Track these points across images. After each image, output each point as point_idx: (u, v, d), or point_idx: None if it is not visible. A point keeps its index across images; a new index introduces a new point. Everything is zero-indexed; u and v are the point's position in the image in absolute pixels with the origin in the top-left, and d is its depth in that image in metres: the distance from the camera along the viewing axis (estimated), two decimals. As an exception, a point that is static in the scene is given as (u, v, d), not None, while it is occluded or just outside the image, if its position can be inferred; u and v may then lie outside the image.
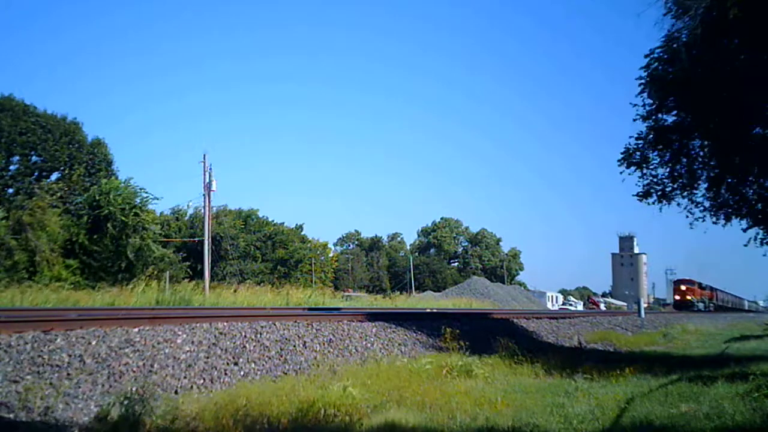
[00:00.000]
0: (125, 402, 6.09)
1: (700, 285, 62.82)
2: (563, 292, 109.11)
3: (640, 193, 14.16)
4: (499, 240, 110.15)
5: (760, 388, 7.93)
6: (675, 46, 12.40)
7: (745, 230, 13.95)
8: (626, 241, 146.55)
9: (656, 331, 24.83)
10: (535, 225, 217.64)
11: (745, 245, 13.99)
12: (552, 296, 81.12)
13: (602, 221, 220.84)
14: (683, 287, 61.45)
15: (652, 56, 13.04)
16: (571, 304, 76.82)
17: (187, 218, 51.82)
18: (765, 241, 13.91)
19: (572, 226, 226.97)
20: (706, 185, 13.93)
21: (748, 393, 7.93)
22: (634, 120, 13.80)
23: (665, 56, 12.81)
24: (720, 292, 71.39)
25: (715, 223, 13.99)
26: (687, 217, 14.06)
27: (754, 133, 12.95)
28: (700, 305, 59.28)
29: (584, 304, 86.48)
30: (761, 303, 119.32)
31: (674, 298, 62.81)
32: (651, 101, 13.53)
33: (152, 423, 5.92)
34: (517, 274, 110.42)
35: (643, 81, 13.38)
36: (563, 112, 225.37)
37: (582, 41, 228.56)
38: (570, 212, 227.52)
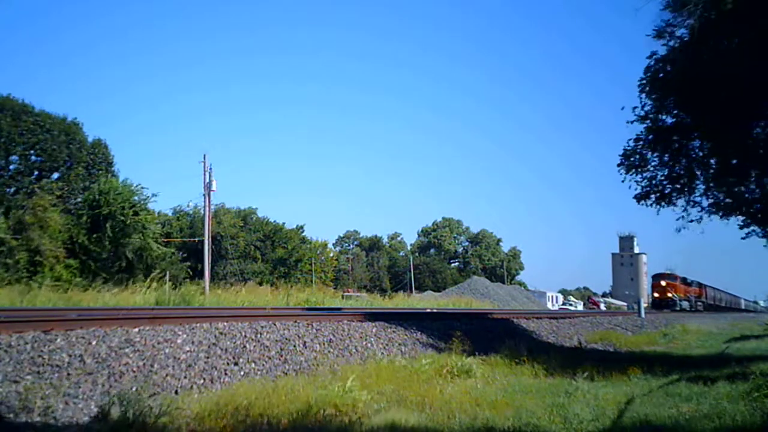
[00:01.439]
0: (125, 402, 6.09)
1: (684, 280, 53.83)
2: (563, 292, 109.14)
3: (639, 195, 14.16)
4: (499, 240, 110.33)
5: (761, 388, 7.93)
6: (674, 45, 12.41)
7: (741, 227, 14.01)
8: (626, 241, 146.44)
9: (656, 331, 24.83)
10: (535, 225, 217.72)
11: (743, 238, 14.04)
12: (552, 296, 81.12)
13: (602, 221, 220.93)
14: (663, 283, 51.43)
15: (651, 57, 13.05)
16: (571, 304, 76.76)
17: (187, 218, 51.83)
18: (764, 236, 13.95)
19: (572, 226, 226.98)
20: (704, 186, 13.95)
21: (749, 393, 7.93)
22: (632, 122, 13.78)
23: (665, 56, 12.81)
24: (711, 290, 63.25)
25: (722, 217, 13.98)
26: (683, 218, 14.07)
27: (754, 133, 12.96)
28: (685, 304, 51.07)
29: (584, 304, 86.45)
30: (761, 303, 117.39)
31: (652, 296, 52.28)
32: (650, 102, 13.53)
33: (152, 423, 5.91)
34: (517, 274, 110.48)
35: (643, 82, 13.38)
36: (563, 112, 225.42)
37: (582, 41, 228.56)
38: (570, 212, 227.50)
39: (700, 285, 58.51)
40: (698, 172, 13.88)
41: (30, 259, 28.70)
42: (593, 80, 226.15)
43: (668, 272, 54.08)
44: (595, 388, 9.00)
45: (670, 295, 50.02)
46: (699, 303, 56.30)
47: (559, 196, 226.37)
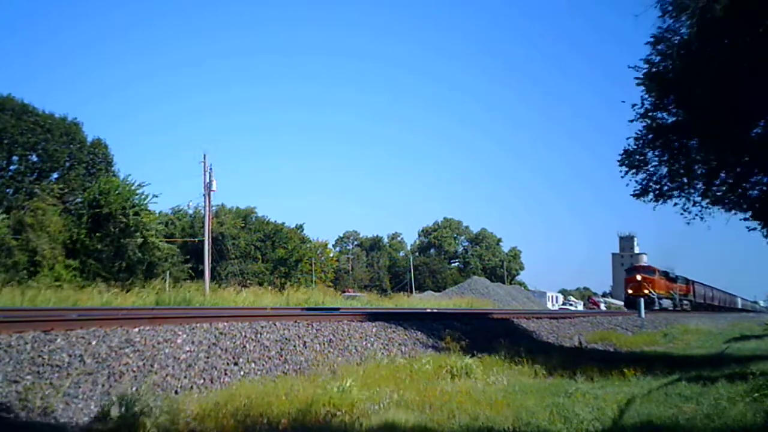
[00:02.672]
0: (125, 402, 6.08)
1: (666, 275, 46.23)
2: (563, 292, 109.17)
3: (637, 191, 14.20)
4: (499, 240, 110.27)
5: (761, 388, 7.92)
6: (673, 45, 12.41)
7: (745, 219, 14.07)
8: (626, 241, 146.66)
9: (657, 331, 24.81)
10: (535, 225, 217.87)
11: (750, 230, 14.10)
12: (552, 296, 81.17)
13: (602, 221, 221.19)
14: (639, 277, 43.54)
15: (650, 56, 13.04)
16: (571, 304, 76.75)
17: (187, 218, 51.87)
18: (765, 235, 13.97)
19: (572, 226, 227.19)
20: (704, 186, 13.96)
21: (749, 393, 7.92)
22: (631, 121, 13.80)
23: (664, 55, 12.81)
24: (700, 287, 56.04)
25: (725, 210, 14.04)
26: (682, 214, 14.11)
27: (752, 132, 12.96)
28: (666, 302, 44.05)
29: (584, 304, 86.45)
30: (761, 303, 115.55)
31: (626, 292, 44.31)
32: (650, 100, 13.53)
33: (152, 423, 5.91)
34: (518, 274, 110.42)
35: (641, 80, 13.37)
36: (563, 112, 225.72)
37: (582, 41, 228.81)
38: (570, 212, 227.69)
39: (687, 281, 51.71)
40: (697, 171, 13.89)
41: (29, 259, 28.71)
42: (593, 80, 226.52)
43: (645, 265, 48.48)
44: (595, 388, 8.99)
45: (646, 291, 41.79)
46: (685, 302, 49.39)
47: (559, 196, 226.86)
